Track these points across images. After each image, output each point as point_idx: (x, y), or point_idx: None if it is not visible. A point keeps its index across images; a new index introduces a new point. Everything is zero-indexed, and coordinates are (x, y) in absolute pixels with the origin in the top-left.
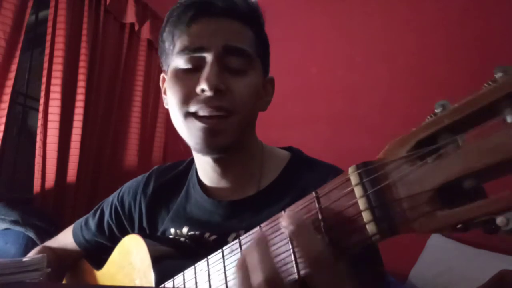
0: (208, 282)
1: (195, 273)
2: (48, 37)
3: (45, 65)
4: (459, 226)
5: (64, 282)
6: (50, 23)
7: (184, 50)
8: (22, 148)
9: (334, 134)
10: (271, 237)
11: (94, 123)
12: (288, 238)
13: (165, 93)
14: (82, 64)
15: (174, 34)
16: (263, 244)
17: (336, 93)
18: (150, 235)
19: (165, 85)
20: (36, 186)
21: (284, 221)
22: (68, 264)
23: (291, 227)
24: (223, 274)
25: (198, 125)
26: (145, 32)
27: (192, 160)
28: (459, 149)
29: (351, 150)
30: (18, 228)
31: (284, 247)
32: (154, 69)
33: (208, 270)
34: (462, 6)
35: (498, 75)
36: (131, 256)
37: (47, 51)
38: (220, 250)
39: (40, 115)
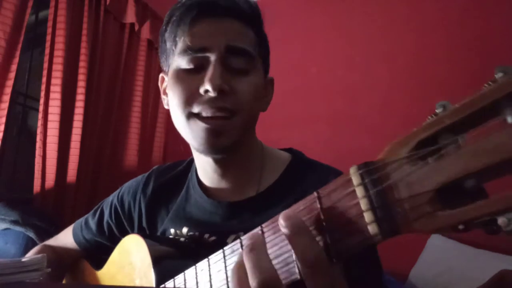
0: (209, 282)
1: (196, 273)
2: (48, 37)
3: (45, 65)
4: (460, 226)
5: (64, 282)
6: (50, 23)
7: (186, 51)
8: (22, 148)
9: (334, 134)
10: (272, 237)
11: (94, 123)
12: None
13: (164, 93)
14: (82, 64)
15: (176, 34)
16: (260, 246)
17: (336, 93)
18: (150, 235)
19: (165, 85)
20: (36, 186)
21: (282, 220)
22: (68, 264)
23: (288, 228)
24: (224, 274)
25: (201, 125)
26: (145, 32)
27: (192, 160)
28: (460, 149)
29: (351, 150)
30: (18, 228)
31: (285, 247)
32: (154, 69)
33: (209, 270)
34: (462, 6)
35: (498, 75)
36: (131, 256)
37: (47, 51)
38: (221, 250)
39: (40, 115)
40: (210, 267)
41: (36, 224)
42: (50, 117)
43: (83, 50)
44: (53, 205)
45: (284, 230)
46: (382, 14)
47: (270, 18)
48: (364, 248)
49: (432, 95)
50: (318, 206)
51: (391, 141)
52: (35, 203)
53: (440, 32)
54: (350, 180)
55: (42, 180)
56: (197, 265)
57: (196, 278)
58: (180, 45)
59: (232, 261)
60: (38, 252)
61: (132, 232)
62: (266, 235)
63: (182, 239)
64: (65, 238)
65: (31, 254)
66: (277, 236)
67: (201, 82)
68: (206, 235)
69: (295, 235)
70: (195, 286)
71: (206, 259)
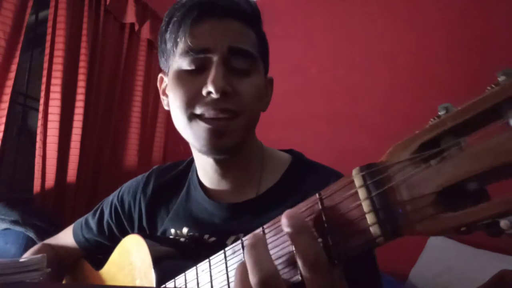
0: (210, 283)
1: (197, 273)
2: (48, 37)
3: (45, 65)
4: (462, 228)
5: (64, 282)
6: (50, 23)
7: (188, 52)
8: (22, 148)
9: (334, 134)
10: (273, 238)
11: (94, 123)
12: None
13: (164, 94)
14: (82, 64)
15: (177, 35)
16: (261, 244)
17: (336, 93)
18: (150, 235)
19: (164, 85)
20: (36, 186)
21: (284, 219)
22: (68, 263)
23: (291, 227)
24: (225, 275)
25: (203, 126)
26: (145, 32)
27: (192, 160)
28: (462, 151)
29: (351, 150)
30: (18, 228)
31: (287, 248)
32: (154, 69)
33: (210, 271)
34: (462, 6)
35: (501, 78)
36: (132, 256)
37: (47, 51)
38: (222, 251)
39: (40, 115)
40: (211, 268)
41: (36, 224)
42: (50, 117)
43: (83, 50)
44: (53, 205)
45: (286, 229)
46: (382, 14)
47: (270, 18)
48: (366, 250)
49: (432, 95)
50: (320, 207)
51: (392, 142)
52: (35, 203)
53: (440, 32)
54: (352, 182)
55: (42, 180)
56: (198, 265)
57: (197, 278)
58: (181, 46)
59: (233, 262)
60: (38, 251)
61: (132, 232)
62: (267, 236)
63: (182, 239)
64: (65, 238)
65: (30, 253)
66: (278, 237)
67: (203, 84)
68: (206, 236)
69: (297, 234)
70: (196, 287)
71: (207, 260)
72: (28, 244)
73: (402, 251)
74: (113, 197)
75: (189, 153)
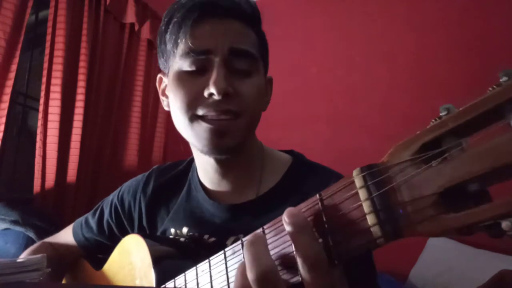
0: (210, 284)
1: (197, 274)
2: (48, 37)
3: (45, 65)
4: (463, 230)
5: (64, 282)
6: (50, 23)
7: (189, 53)
8: (22, 148)
9: (334, 134)
10: (274, 238)
11: (94, 123)
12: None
13: (163, 94)
14: (82, 64)
15: (178, 36)
16: (261, 241)
17: (336, 93)
18: (150, 235)
19: (163, 86)
20: (36, 186)
21: (286, 217)
22: (68, 262)
23: (292, 225)
24: (225, 276)
25: (205, 126)
26: (145, 32)
27: (192, 160)
28: (463, 152)
29: (351, 150)
30: (18, 228)
31: (287, 249)
32: (154, 69)
33: (210, 272)
34: (462, 6)
35: (502, 79)
36: (132, 256)
37: (47, 51)
38: (222, 252)
39: (40, 115)
40: (211, 268)
41: (36, 224)
42: (50, 117)
43: (83, 50)
44: (53, 205)
45: (287, 227)
46: (382, 14)
47: (270, 18)
48: (366, 250)
49: (432, 95)
50: (321, 207)
51: (392, 142)
52: (35, 203)
53: (440, 32)
54: (353, 182)
55: (42, 180)
56: (197, 266)
57: (197, 279)
58: (181, 47)
59: (233, 262)
60: (37, 249)
61: (132, 231)
62: (267, 236)
63: (182, 239)
64: (65, 237)
65: (29, 251)
66: (278, 238)
67: (205, 85)
68: (206, 236)
69: (298, 233)
70: (196, 287)
71: (207, 260)
72: (28, 244)
73: (402, 251)
74: (113, 196)
75: (189, 153)
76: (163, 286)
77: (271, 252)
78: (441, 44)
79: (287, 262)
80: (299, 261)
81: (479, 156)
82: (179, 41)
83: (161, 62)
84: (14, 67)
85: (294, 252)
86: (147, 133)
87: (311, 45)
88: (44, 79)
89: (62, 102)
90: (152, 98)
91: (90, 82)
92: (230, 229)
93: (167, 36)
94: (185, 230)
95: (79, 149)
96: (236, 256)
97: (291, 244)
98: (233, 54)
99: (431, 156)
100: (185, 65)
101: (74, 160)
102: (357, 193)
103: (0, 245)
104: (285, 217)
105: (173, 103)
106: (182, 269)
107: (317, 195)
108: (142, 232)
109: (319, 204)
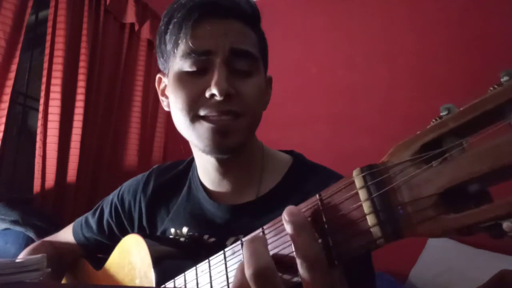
0: (209, 284)
1: (197, 274)
2: (48, 37)
3: (45, 65)
4: (464, 230)
5: (64, 281)
6: (50, 23)
7: (189, 54)
8: (22, 148)
9: (334, 134)
10: (273, 239)
11: (94, 123)
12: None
13: (163, 94)
14: (82, 64)
15: (178, 36)
16: (260, 240)
17: (336, 93)
18: (150, 234)
19: (163, 86)
20: (36, 186)
21: (286, 215)
22: (68, 261)
23: (291, 224)
24: (225, 276)
25: (207, 126)
26: (145, 32)
27: (192, 160)
28: (464, 152)
29: (351, 150)
30: (18, 228)
31: (286, 249)
32: (154, 69)
33: (210, 272)
34: (462, 6)
35: (504, 78)
36: (132, 256)
37: (47, 51)
38: (221, 252)
39: (40, 115)
40: (211, 268)
41: (36, 224)
42: (50, 117)
43: (83, 50)
44: (53, 205)
45: (287, 226)
46: (382, 14)
47: (270, 18)
48: (366, 251)
49: (432, 95)
50: (320, 208)
51: (392, 142)
52: (35, 203)
53: (440, 32)
54: (353, 183)
55: (42, 180)
56: (197, 266)
57: (197, 279)
58: (182, 47)
59: (232, 262)
60: (37, 248)
61: (132, 231)
62: (267, 236)
63: (182, 239)
64: (65, 236)
65: (29, 250)
66: (278, 238)
67: (206, 86)
68: (206, 236)
69: (298, 232)
70: (196, 287)
71: (207, 261)
72: (28, 244)
73: (402, 251)
74: (113, 196)
75: (189, 153)
76: (163, 286)
77: (271, 253)
78: (441, 44)
79: (286, 262)
80: (298, 261)
81: (480, 156)
82: (179, 41)
83: (160, 62)
84: (14, 67)
85: (294, 252)
86: (147, 133)
87: (311, 45)
88: (44, 79)
89: (62, 102)
90: (152, 98)
91: (90, 82)
92: (230, 230)
93: (167, 37)
94: (185, 230)
95: (79, 149)
96: (236, 257)
97: (290, 244)
98: (234, 55)
99: (431, 156)
100: (186, 66)
101: (74, 160)
102: (357, 193)
103: (0, 245)
104: (285, 216)
105: (174, 103)
106: (182, 269)
107: (317, 195)
108: (142, 232)
109: (319, 204)
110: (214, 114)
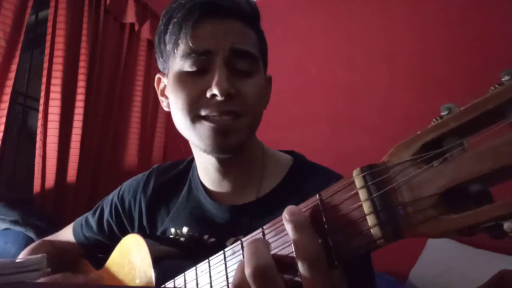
0: (209, 284)
1: (197, 274)
2: (48, 37)
3: (45, 65)
4: (465, 231)
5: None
6: (50, 23)
7: (190, 54)
8: (22, 148)
9: (334, 134)
10: (274, 239)
11: (94, 123)
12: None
13: (162, 95)
14: (82, 64)
15: (178, 36)
16: (261, 240)
17: (336, 93)
18: (150, 234)
19: (162, 86)
20: (36, 186)
21: (286, 214)
22: (68, 260)
23: (292, 223)
24: (225, 276)
25: (208, 125)
26: (145, 32)
27: (192, 160)
28: (465, 152)
29: (351, 150)
30: (18, 228)
31: (287, 249)
32: (154, 69)
33: (210, 272)
34: (462, 6)
35: (504, 78)
36: (132, 255)
37: (47, 51)
38: (221, 252)
39: (40, 115)
40: (211, 268)
41: (36, 224)
42: (50, 117)
43: (83, 50)
44: (53, 205)
45: (287, 225)
46: (382, 14)
47: (270, 18)
48: (366, 251)
49: (432, 95)
50: (321, 208)
51: (392, 142)
52: (35, 203)
53: (440, 32)
54: (353, 183)
55: (42, 180)
56: (197, 266)
57: (197, 279)
58: (182, 47)
59: (232, 262)
60: (37, 248)
61: (132, 231)
62: (267, 236)
63: (182, 239)
64: (65, 236)
65: (29, 249)
66: (278, 238)
67: (206, 86)
68: (206, 236)
69: (298, 231)
70: (195, 287)
71: (207, 261)
72: (28, 244)
73: (402, 251)
74: (113, 196)
75: (189, 152)
76: (163, 286)
77: (271, 253)
78: (441, 44)
79: (287, 262)
80: (298, 261)
81: (481, 156)
82: (179, 41)
83: (159, 62)
84: (14, 67)
85: (294, 252)
86: (147, 133)
87: (311, 45)
88: (44, 79)
89: (62, 102)
90: (152, 98)
91: (90, 82)
92: (230, 230)
93: (167, 37)
94: (185, 230)
95: (79, 149)
96: (235, 257)
97: (291, 244)
98: (234, 55)
99: (432, 156)
100: (186, 66)
101: (74, 160)
102: (357, 193)
103: (0, 245)
104: (285, 215)
105: (174, 104)
106: (182, 269)
107: (317, 195)
108: (142, 232)
109: (319, 204)
110: (215, 114)
